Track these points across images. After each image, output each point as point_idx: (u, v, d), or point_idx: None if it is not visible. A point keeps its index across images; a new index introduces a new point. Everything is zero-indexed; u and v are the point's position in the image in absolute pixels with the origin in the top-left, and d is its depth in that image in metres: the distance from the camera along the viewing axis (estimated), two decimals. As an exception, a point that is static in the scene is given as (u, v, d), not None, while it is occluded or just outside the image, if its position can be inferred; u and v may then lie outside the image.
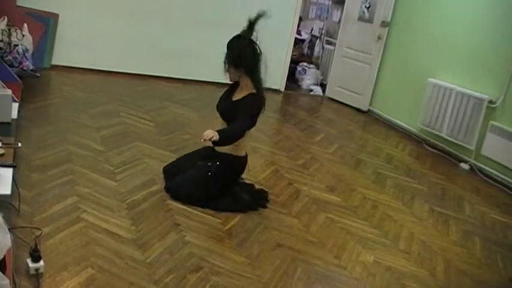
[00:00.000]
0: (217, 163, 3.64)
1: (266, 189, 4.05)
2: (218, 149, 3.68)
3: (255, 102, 3.62)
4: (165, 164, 3.96)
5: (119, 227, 3.11)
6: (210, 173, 3.61)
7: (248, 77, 3.64)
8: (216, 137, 3.29)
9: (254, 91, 3.64)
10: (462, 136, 5.91)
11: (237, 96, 3.70)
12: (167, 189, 3.69)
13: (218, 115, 3.78)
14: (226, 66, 3.65)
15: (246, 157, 3.82)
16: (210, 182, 3.61)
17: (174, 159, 4.02)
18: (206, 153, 3.79)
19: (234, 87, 3.82)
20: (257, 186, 4.05)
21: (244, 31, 3.64)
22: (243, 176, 3.99)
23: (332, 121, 6.99)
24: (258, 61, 3.63)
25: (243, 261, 3.03)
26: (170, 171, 3.82)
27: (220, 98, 3.86)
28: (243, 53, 3.59)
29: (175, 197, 3.60)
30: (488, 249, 3.85)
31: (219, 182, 3.65)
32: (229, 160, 3.67)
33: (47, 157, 3.88)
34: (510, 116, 5.45)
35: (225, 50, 3.64)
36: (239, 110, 3.56)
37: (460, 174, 5.62)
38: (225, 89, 3.92)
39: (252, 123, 3.63)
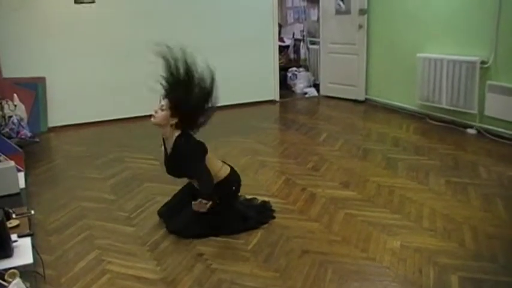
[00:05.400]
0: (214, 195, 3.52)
1: (267, 200, 4.05)
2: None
3: (186, 144, 3.49)
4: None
5: (145, 270, 3.12)
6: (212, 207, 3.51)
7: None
8: (207, 203, 3.32)
9: (177, 133, 3.50)
10: (463, 102, 5.91)
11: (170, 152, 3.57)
12: (171, 232, 3.60)
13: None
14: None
15: (232, 171, 3.68)
16: (215, 213, 3.53)
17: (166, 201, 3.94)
18: (195, 189, 3.67)
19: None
20: (260, 199, 4.07)
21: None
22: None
23: (332, 118, 7.00)
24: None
25: (273, 275, 3.02)
26: (165, 214, 3.78)
27: (165, 165, 3.70)
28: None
29: (186, 237, 3.52)
30: (511, 208, 3.83)
31: (223, 208, 3.59)
32: (219, 187, 3.55)
33: (61, 218, 3.92)
34: (505, 71, 5.46)
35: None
36: (188, 164, 3.47)
37: (468, 140, 5.60)
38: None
39: (202, 149, 3.52)
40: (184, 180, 3.87)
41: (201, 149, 3.51)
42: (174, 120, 3.45)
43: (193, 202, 3.32)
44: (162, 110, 3.46)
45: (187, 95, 3.42)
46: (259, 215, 3.78)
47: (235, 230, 3.57)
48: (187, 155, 3.46)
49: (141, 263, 3.22)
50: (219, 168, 3.60)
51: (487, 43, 5.58)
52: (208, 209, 3.48)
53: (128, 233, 3.64)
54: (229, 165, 3.71)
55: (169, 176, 3.74)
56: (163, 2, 7.15)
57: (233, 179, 3.67)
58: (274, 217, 3.81)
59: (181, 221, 3.60)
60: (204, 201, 3.29)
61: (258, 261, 3.20)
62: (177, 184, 4.47)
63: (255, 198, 4.08)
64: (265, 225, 3.67)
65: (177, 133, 3.49)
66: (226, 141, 5.57)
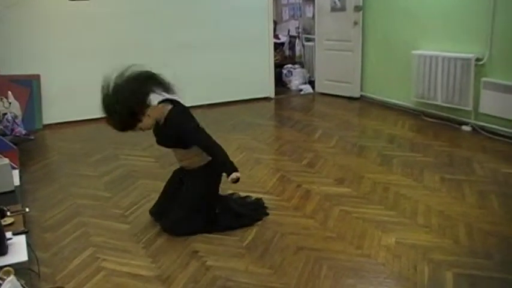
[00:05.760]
0: (201, 180, 3.58)
1: (260, 197, 4.05)
2: (187, 167, 3.67)
3: (179, 113, 3.52)
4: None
5: (140, 268, 3.12)
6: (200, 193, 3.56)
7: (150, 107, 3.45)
8: (235, 172, 3.32)
9: (169, 107, 3.52)
10: (458, 99, 5.92)
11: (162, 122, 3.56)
12: (165, 230, 3.58)
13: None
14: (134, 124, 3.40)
15: None
16: (204, 200, 3.56)
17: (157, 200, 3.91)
18: (180, 177, 3.72)
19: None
20: (254, 196, 4.06)
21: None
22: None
23: (327, 115, 7.00)
24: (140, 89, 3.42)
25: (268, 272, 3.03)
26: (156, 213, 3.76)
27: (155, 135, 3.71)
28: (126, 100, 3.35)
29: (178, 235, 3.51)
30: (506, 204, 3.83)
31: (211, 193, 3.61)
32: (206, 169, 3.60)
33: (56, 215, 3.91)
34: (500, 68, 5.47)
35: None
36: (183, 136, 3.48)
37: (463, 137, 5.62)
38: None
39: (196, 125, 3.51)
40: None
41: (193, 117, 3.54)
42: (147, 110, 3.41)
43: (229, 178, 3.33)
44: (140, 127, 3.46)
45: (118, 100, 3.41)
46: (253, 212, 3.78)
47: (229, 227, 3.57)
48: (182, 117, 3.48)
49: (136, 260, 3.21)
50: None
51: (482, 40, 5.59)
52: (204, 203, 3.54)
53: (123, 230, 3.63)
54: None
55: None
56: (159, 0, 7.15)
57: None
58: (267, 214, 3.80)
59: (174, 219, 3.57)
60: (233, 175, 3.32)
61: (253, 257, 3.20)
62: (172, 181, 4.45)
63: (249, 196, 4.07)
64: (260, 222, 3.67)
65: (168, 107, 3.51)
66: (221, 138, 5.48)
